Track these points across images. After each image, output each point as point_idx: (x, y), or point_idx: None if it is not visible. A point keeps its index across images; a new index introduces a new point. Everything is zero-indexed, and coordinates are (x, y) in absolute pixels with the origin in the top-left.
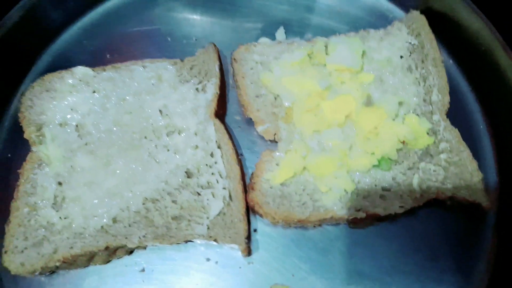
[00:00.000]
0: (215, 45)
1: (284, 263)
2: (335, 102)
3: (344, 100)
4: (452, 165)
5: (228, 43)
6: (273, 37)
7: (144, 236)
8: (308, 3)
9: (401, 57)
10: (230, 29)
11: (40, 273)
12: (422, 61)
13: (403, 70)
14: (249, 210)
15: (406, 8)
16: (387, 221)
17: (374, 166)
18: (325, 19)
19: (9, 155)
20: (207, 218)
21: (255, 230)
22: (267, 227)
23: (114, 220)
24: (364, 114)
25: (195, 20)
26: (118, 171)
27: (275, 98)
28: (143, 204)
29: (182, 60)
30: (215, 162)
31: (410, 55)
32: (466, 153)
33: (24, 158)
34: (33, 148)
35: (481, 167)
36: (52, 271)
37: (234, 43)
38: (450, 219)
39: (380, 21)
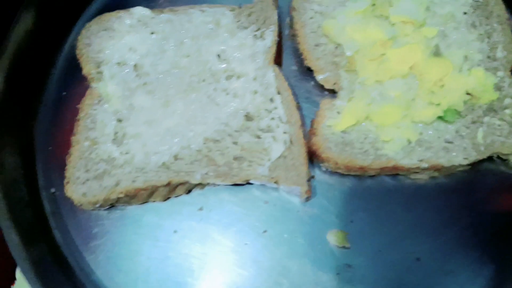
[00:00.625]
0: None
1: (342, 210)
2: (401, 51)
3: (411, 49)
4: None
5: None
6: None
7: (206, 174)
8: None
9: (465, 13)
10: None
11: (101, 206)
12: (487, 18)
13: (467, 26)
14: (309, 157)
15: None
16: (447, 175)
17: (438, 117)
18: None
19: (64, 93)
20: (268, 160)
21: (312, 177)
22: (325, 175)
23: (176, 158)
24: (430, 65)
25: None
26: (177, 111)
27: (336, 47)
28: (204, 143)
29: (240, 7)
30: (275, 108)
31: (473, 12)
32: None
33: (79, 96)
34: (93, 84)
35: None
36: (112, 205)
37: None
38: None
39: None
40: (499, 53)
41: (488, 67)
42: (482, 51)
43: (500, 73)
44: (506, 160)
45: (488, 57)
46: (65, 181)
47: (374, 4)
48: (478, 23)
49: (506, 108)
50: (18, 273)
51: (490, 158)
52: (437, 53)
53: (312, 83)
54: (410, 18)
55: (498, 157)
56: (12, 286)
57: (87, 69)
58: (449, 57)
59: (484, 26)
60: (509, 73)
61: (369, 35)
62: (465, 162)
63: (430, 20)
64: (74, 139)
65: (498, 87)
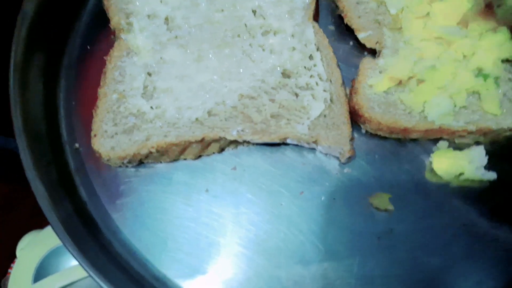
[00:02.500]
0: None
1: (383, 173)
2: (447, 4)
3: (457, 3)
4: None
5: None
6: None
7: (242, 130)
8: None
9: None
10: None
11: (130, 161)
12: None
13: None
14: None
15: None
16: (492, 141)
17: (484, 76)
18: None
19: (89, 47)
20: (308, 118)
21: (352, 139)
22: (364, 137)
23: (210, 113)
24: (479, 20)
25: None
26: (210, 67)
27: (379, 6)
28: (240, 100)
29: None
30: (314, 65)
31: None
32: None
33: (103, 52)
34: (122, 36)
35: None
36: (141, 161)
37: None
38: None
39: None
40: None
41: None
42: None
43: None
44: None
45: None
46: (92, 133)
47: None
48: None
49: None
50: (19, 252)
51: None
52: (489, 5)
53: (351, 43)
54: None
55: None
56: (12, 264)
57: (116, 20)
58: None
59: None
60: None
61: None
62: None
63: None
64: (101, 91)
65: None
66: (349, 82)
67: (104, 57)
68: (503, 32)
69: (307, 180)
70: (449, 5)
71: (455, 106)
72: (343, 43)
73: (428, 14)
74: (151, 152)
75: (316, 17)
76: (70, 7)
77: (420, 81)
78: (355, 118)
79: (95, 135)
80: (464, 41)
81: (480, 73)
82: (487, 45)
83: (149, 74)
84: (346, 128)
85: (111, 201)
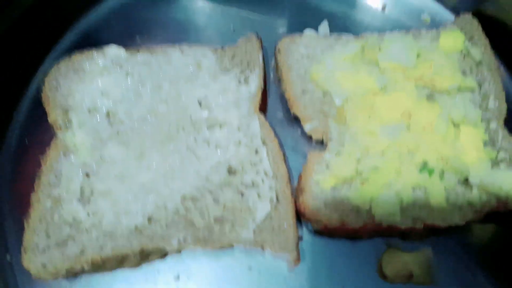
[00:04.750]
0: (258, 34)
1: (333, 275)
2: (391, 98)
3: (401, 96)
4: None
5: (267, 35)
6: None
7: (184, 239)
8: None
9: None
10: (269, 21)
11: (63, 277)
12: (477, 66)
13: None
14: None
15: (455, 11)
16: (442, 236)
17: (430, 172)
18: (369, 18)
19: (27, 142)
20: (253, 221)
21: (300, 238)
22: (313, 235)
23: (150, 219)
24: (421, 110)
25: (233, 10)
26: (153, 165)
27: (324, 95)
28: (182, 202)
29: (222, 48)
30: (260, 160)
31: (464, 59)
32: None
33: (43, 145)
34: (58, 134)
35: None
36: (76, 274)
37: (273, 35)
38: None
39: (428, 24)
40: (491, 103)
41: (481, 118)
42: (473, 101)
43: (493, 125)
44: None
45: (480, 107)
46: (23, 249)
47: (363, 49)
48: (469, 70)
49: (500, 162)
50: None
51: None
52: (430, 97)
53: (300, 131)
54: (400, 64)
55: (497, 214)
56: None
57: (54, 116)
58: (440, 104)
59: (474, 74)
60: (502, 124)
61: (360, 83)
62: (461, 222)
63: (420, 66)
64: (34, 197)
65: (491, 140)
66: (297, 171)
67: (40, 158)
68: (445, 125)
69: (256, 287)
70: (392, 98)
71: (402, 202)
72: (292, 130)
73: (371, 106)
74: (85, 268)
75: (263, 107)
76: (8, 95)
77: (365, 180)
78: (302, 217)
79: (25, 251)
80: (408, 136)
81: (425, 167)
82: (431, 140)
83: (87, 175)
84: (292, 231)
85: None
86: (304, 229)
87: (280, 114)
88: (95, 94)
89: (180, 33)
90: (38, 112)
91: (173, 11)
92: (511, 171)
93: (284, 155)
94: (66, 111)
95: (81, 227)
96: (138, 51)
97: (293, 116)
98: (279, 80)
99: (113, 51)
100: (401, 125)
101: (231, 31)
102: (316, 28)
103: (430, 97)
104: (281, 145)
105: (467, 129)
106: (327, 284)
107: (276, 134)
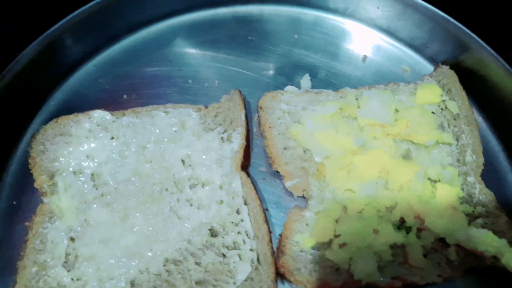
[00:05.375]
0: (240, 92)
1: None
2: (368, 157)
3: (378, 154)
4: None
5: (251, 87)
6: (297, 83)
7: None
8: (333, 51)
9: (433, 113)
10: (253, 73)
11: None
12: (454, 119)
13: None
14: (277, 275)
15: (434, 61)
16: None
17: (406, 229)
18: (351, 68)
19: (15, 203)
20: (234, 283)
21: None
22: None
23: (133, 284)
24: (399, 168)
25: (218, 62)
26: (136, 227)
27: (305, 151)
28: (164, 265)
29: (206, 107)
30: (242, 220)
31: (441, 112)
32: (503, 219)
33: (30, 206)
34: (44, 199)
35: None
36: None
37: (257, 87)
38: None
39: (408, 73)
40: (469, 157)
41: (458, 172)
42: (451, 154)
43: (470, 179)
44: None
45: (458, 160)
46: None
47: (342, 106)
48: (447, 124)
49: (477, 217)
50: None
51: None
52: (407, 156)
53: (282, 186)
54: (379, 121)
55: (477, 269)
56: None
57: (40, 181)
58: (418, 161)
59: (452, 127)
60: (479, 178)
61: (338, 143)
62: (439, 280)
63: (399, 122)
64: (20, 264)
65: (469, 194)
66: (279, 227)
67: (26, 224)
68: (422, 184)
69: None
70: (370, 156)
71: (381, 260)
72: (274, 185)
73: (350, 165)
74: None
75: (246, 162)
76: None
77: (343, 244)
78: (282, 278)
79: None
80: (385, 193)
81: (402, 226)
82: (408, 198)
83: (72, 240)
84: None
85: None
86: (287, 286)
87: (263, 168)
88: (81, 157)
89: (166, 88)
90: (26, 173)
91: (159, 66)
92: (486, 229)
93: (265, 211)
94: (52, 176)
95: None
96: (123, 113)
97: (275, 170)
98: (262, 135)
99: (99, 114)
100: (379, 182)
101: (215, 85)
102: (299, 80)
103: (407, 155)
104: (263, 201)
105: (443, 187)
106: None
107: (258, 190)
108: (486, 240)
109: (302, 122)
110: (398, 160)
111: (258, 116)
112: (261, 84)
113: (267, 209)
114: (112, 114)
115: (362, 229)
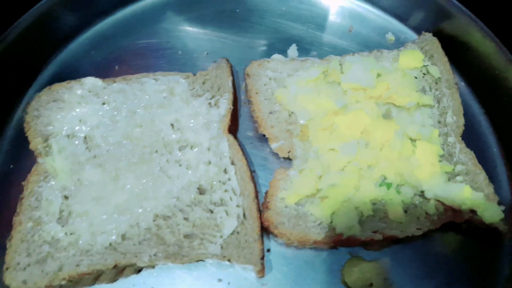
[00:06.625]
0: (227, 60)
1: (299, 285)
2: (349, 117)
3: (359, 115)
4: None
5: (240, 58)
6: (285, 54)
7: (155, 255)
8: (320, 22)
9: (415, 78)
10: (242, 45)
11: None
12: (436, 83)
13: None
14: (263, 229)
15: (418, 31)
16: (402, 244)
17: (388, 186)
18: (337, 38)
19: (12, 166)
20: (221, 237)
21: (268, 250)
22: (280, 247)
23: (123, 237)
24: (379, 127)
25: (206, 35)
26: (127, 186)
27: (290, 115)
28: (154, 221)
29: (194, 74)
30: (229, 179)
31: (423, 77)
32: (482, 176)
33: (27, 170)
34: (39, 160)
35: (496, 191)
36: None
37: (245, 58)
38: (467, 245)
39: (393, 43)
40: (449, 118)
41: (439, 133)
42: (432, 116)
43: (450, 139)
44: (463, 226)
45: (439, 122)
46: (5, 267)
47: (326, 71)
48: (428, 88)
49: (457, 175)
50: None
51: (447, 225)
52: (387, 116)
53: (269, 149)
54: (361, 85)
55: (454, 223)
56: None
57: (34, 143)
58: (398, 121)
59: (433, 91)
60: (459, 138)
61: (320, 105)
62: (418, 232)
63: (381, 86)
64: (16, 219)
65: (449, 154)
66: (266, 188)
67: (22, 183)
68: (401, 142)
69: None
70: (352, 117)
71: (362, 215)
72: (261, 149)
73: (332, 125)
74: (63, 283)
75: (234, 126)
76: None
77: (324, 197)
78: (268, 232)
79: (7, 268)
80: (367, 152)
81: (383, 182)
82: (388, 156)
83: (66, 198)
84: (257, 245)
85: None
86: (273, 242)
87: (251, 133)
88: (74, 121)
89: (157, 60)
90: (22, 139)
91: (149, 39)
92: (463, 184)
93: (252, 173)
94: (46, 138)
95: (59, 245)
96: (114, 81)
97: (263, 134)
98: (249, 102)
99: (91, 81)
100: (360, 142)
101: (205, 56)
102: (286, 50)
103: (388, 115)
104: (250, 163)
105: (422, 144)
106: None
107: (245, 153)
108: (463, 194)
109: (287, 86)
110: (379, 120)
111: (245, 83)
112: (249, 54)
113: (254, 171)
114: (103, 81)
115: (343, 184)
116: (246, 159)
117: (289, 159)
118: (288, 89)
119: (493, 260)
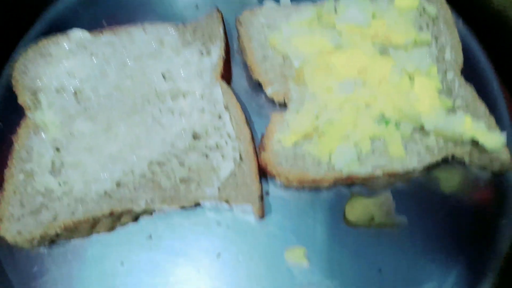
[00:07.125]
0: (218, 9)
1: (299, 226)
2: (346, 55)
3: (355, 53)
4: None
5: (231, 9)
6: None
7: (151, 199)
8: None
9: (412, 17)
10: None
11: (39, 243)
12: (433, 21)
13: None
14: (261, 173)
15: None
16: (405, 183)
17: (386, 122)
18: None
19: (1, 124)
20: (217, 179)
21: (267, 193)
22: (279, 190)
23: (118, 184)
24: (375, 64)
25: None
26: (120, 136)
27: (284, 60)
28: (149, 167)
29: (184, 24)
30: (224, 124)
31: (420, 16)
32: (482, 109)
33: (16, 127)
34: (29, 114)
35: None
36: (52, 241)
37: (236, 9)
38: (471, 183)
39: None
40: (448, 55)
41: (438, 70)
42: (431, 54)
43: (450, 75)
44: (465, 162)
45: (437, 59)
46: None
47: (320, 13)
48: (425, 26)
49: (457, 109)
50: None
51: (444, 161)
52: (384, 53)
53: (263, 97)
54: (356, 25)
55: (453, 158)
56: None
57: (22, 97)
58: (395, 57)
59: (431, 29)
60: (459, 74)
61: (315, 44)
62: (420, 166)
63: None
64: (8, 173)
65: (448, 89)
66: (262, 134)
67: (12, 137)
68: (399, 76)
69: (224, 241)
70: (348, 55)
71: (361, 152)
72: (256, 97)
73: (328, 65)
74: (59, 232)
75: (227, 76)
76: None
77: (322, 134)
78: (266, 173)
79: (1, 220)
80: (364, 90)
81: (382, 119)
82: (386, 92)
83: (57, 150)
84: (255, 186)
85: (24, 283)
86: (271, 185)
87: (244, 82)
88: (62, 75)
89: (146, 13)
90: (10, 98)
91: None
92: (463, 115)
93: (247, 118)
94: (34, 93)
95: (53, 195)
96: (101, 33)
97: (256, 82)
98: (242, 50)
99: (77, 34)
100: (357, 80)
101: (195, 7)
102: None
103: (385, 52)
104: (245, 111)
105: (421, 79)
106: (294, 234)
107: (240, 100)
108: (464, 124)
109: (280, 30)
110: (376, 57)
111: (238, 31)
112: (241, 6)
113: (250, 119)
114: (90, 34)
115: (340, 121)
116: (240, 105)
117: (285, 105)
118: (282, 32)
119: (497, 195)
